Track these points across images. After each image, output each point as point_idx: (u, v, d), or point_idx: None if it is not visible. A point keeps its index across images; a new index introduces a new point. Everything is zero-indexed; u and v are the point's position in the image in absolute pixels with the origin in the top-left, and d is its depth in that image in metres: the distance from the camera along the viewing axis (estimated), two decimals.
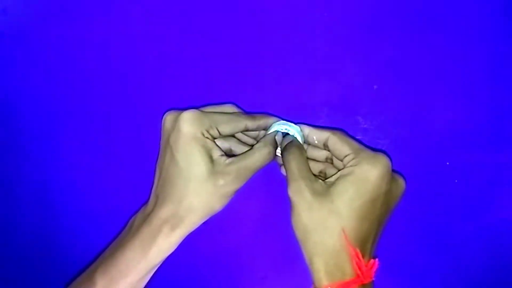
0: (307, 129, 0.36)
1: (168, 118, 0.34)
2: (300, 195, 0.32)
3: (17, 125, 0.43)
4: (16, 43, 0.42)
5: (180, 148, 0.32)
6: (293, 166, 0.34)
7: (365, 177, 0.31)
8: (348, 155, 0.33)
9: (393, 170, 0.33)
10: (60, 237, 0.43)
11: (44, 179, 0.43)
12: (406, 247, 0.40)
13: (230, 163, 0.33)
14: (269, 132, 0.37)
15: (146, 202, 0.35)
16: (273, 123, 0.37)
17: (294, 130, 0.36)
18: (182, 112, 0.33)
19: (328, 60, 0.39)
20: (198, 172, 0.32)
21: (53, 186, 0.43)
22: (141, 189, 0.36)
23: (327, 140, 0.35)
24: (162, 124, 0.34)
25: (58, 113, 0.42)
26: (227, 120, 0.34)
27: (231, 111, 0.36)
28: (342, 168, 0.33)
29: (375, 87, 0.39)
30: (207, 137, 0.33)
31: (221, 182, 0.32)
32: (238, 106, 0.37)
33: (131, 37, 0.41)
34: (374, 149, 0.33)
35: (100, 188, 0.42)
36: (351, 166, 0.32)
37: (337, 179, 0.32)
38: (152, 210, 0.33)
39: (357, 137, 0.39)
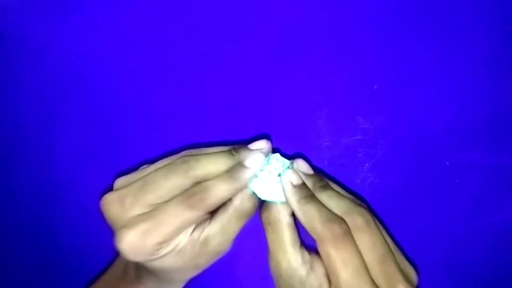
0: (292, 204, 0.27)
1: (110, 213, 0.28)
2: (276, 281, 0.29)
3: (17, 125, 0.43)
4: (16, 43, 0.42)
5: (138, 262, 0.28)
6: (271, 244, 0.28)
7: None
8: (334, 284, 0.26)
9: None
10: (60, 238, 0.43)
11: (44, 179, 0.43)
12: (405, 248, 0.40)
13: (206, 241, 0.28)
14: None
15: (116, 263, 0.36)
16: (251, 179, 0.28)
17: (279, 189, 0.27)
18: (119, 231, 0.26)
19: (328, 60, 0.39)
20: (172, 269, 0.29)
21: (53, 186, 0.43)
22: None
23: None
24: (102, 211, 0.29)
25: (58, 113, 0.42)
26: (175, 226, 0.26)
27: (179, 180, 0.27)
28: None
29: (375, 87, 0.39)
30: (158, 253, 0.27)
31: (201, 260, 0.29)
32: (189, 160, 0.28)
33: (132, 37, 0.41)
34: None
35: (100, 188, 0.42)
36: None
37: None
38: (140, 271, 0.32)
39: (357, 137, 0.39)
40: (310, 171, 0.30)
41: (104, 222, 0.29)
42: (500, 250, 0.39)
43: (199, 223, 0.28)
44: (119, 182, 0.30)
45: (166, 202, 0.27)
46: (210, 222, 0.28)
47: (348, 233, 0.26)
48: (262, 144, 0.30)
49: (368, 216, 0.28)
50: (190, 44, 0.40)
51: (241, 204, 0.28)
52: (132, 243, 0.26)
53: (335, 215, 0.27)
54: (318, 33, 0.39)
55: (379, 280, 0.26)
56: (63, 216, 0.43)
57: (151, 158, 0.35)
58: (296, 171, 0.29)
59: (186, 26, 0.40)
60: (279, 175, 0.28)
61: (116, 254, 0.38)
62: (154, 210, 0.27)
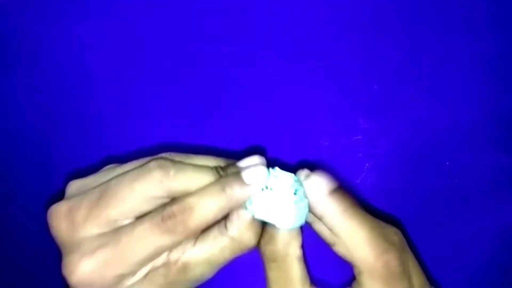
0: (336, 217, 0.21)
1: (56, 230, 0.22)
2: None
3: (17, 125, 0.43)
4: (16, 43, 0.42)
5: None
6: (275, 284, 0.22)
7: None
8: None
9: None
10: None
11: (43, 179, 0.43)
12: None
13: (185, 269, 0.21)
14: (246, 210, 0.22)
15: None
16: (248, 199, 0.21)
17: (288, 213, 0.20)
18: (69, 261, 0.20)
19: (328, 60, 0.39)
20: None
21: (52, 186, 0.43)
22: None
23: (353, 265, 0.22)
24: (49, 224, 0.23)
25: (58, 113, 0.42)
26: (144, 255, 0.20)
27: (150, 192, 0.20)
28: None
29: (375, 87, 0.39)
30: (124, 283, 0.21)
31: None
32: (165, 169, 0.21)
33: (132, 37, 0.41)
34: None
35: None
36: None
37: None
38: None
39: (357, 137, 0.39)
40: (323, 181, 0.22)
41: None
42: (501, 250, 0.39)
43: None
44: (72, 186, 0.24)
45: (133, 222, 0.21)
46: (194, 244, 0.22)
47: (406, 270, 0.22)
48: (256, 160, 0.23)
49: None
50: (191, 44, 0.40)
51: (240, 234, 0.21)
52: (87, 275, 0.20)
53: (390, 241, 0.21)
54: (317, 33, 0.39)
55: None
56: None
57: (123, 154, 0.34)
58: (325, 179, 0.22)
59: (186, 26, 0.40)
60: (295, 193, 0.21)
61: None
62: (118, 232, 0.20)
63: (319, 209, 0.21)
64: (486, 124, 0.38)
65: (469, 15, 0.38)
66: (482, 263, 0.39)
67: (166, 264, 0.21)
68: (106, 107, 0.41)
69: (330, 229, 0.21)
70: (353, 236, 0.21)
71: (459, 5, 0.38)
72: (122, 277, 0.20)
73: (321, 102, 0.39)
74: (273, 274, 0.22)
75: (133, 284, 0.21)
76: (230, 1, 0.40)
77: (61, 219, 0.22)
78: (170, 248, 0.21)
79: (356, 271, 0.21)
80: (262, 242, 0.22)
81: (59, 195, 0.24)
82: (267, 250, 0.22)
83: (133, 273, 0.21)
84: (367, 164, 0.39)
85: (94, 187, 0.22)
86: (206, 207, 0.20)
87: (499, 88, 0.38)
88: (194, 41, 0.40)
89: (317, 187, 0.21)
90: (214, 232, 0.22)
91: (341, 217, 0.21)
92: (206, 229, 0.22)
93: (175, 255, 0.21)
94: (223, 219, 0.22)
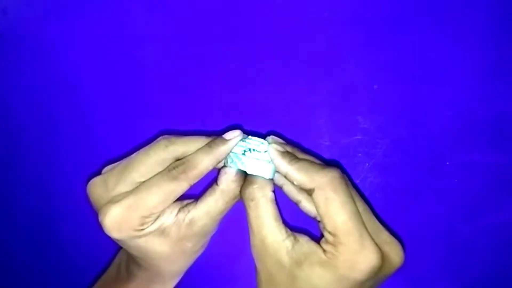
0: (284, 167, 0.27)
1: (94, 196, 0.28)
2: (260, 261, 0.28)
3: (17, 125, 0.43)
4: (16, 43, 0.42)
5: (125, 244, 0.28)
6: (254, 221, 0.27)
7: (344, 276, 0.25)
8: (330, 233, 0.26)
9: (388, 233, 0.28)
10: (59, 240, 0.43)
11: (43, 179, 0.43)
12: (405, 247, 0.40)
13: (191, 223, 0.28)
14: (227, 165, 0.28)
15: (111, 265, 0.36)
16: (232, 150, 0.28)
17: (261, 167, 0.28)
18: (103, 209, 0.26)
19: (328, 60, 0.39)
20: (158, 255, 0.28)
21: (53, 187, 0.43)
22: None
23: (310, 192, 0.27)
24: (88, 196, 0.29)
25: (58, 113, 0.42)
26: (161, 198, 0.26)
27: (160, 155, 0.28)
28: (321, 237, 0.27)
29: (375, 87, 0.39)
30: (143, 229, 0.27)
31: (189, 245, 0.29)
32: (169, 138, 0.29)
33: (132, 37, 0.41)
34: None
35: None
36: (329, 253, 0.25)
37: (307, 260, 0.26)
38: (132, 266, 0.32)
39: (357, 137, 0.39)
40: (283, 142, 0.30)
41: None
42: (500, 250, 0.39)
43: (184, 206, 0.29)
44: (106, 168, 0.30)
45: (149, 178, 0.27)
46: (196, 204, 0.28)
47: (344, 177, 0.27)
48: (237, 132, 0.30)
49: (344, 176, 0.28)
50: (191, 44, 0.40)
51: (227, 186, 0.28)
52: (116, 217, 0.26)
53: (331, 168, 0.27)
54: (318, 33, 0.39)
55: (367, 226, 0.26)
56: (62, 218, 0.43)
57: None
58: (279, 143, 0.29)
59: (187, 26, 0.40)
60: (263, 151, 0.29)
61: (113, 255, 0.38)
62: (138, 186, 0.27)
63: (276, 164, 0.28)
64: (486, 124, 0.38)
65: (469, 15, 0.38)
66: (482, 263, 0.39)
67: (176, 222, 0.28)
68: (106, 106, 0.41)
69: (285, 176, 0.27)
70: (302, 173, 0.27)
71: (459, 5, 0.38)
72: (143, 220, 0.26)
73: (321, 102, 0.39)
74: (252, 212, 0.27)
75: (151, 232, 0.27)
76: (230, 1, 0.40)
77: (97, 186, 0.28)
78: (177, 194, 0.27)
79: (312, 196, 0.26)
80: (243, 187, 0.28)
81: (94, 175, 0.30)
82: (246, 192, 0.28)
83: (152, 217, 0.27)
84: (367, 164, 0.39)
85: (119, 163, 0.29)
86: (199, 160, 0.27)
87: (499, 88, 0.38)
88: (195, 42, 0.40)
89: (272, 151, 0.28)
90: (209, 190, 0.28)
91: (289, 164, 0.27)
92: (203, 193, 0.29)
93: (182, 215, 0.28)
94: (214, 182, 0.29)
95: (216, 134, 0.30)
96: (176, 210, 0.28)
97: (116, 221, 0.26)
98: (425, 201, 0.39)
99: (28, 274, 0.44)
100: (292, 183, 0.27)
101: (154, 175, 0.27)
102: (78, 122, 0.42)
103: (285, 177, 0.28)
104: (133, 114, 0.41)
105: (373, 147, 0.39)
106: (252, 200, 0.27)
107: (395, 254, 0.27)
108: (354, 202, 0.26)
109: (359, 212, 0.26)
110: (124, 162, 0.29)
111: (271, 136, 0.30)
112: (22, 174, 0.43)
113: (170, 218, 0.28)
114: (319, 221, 0.28)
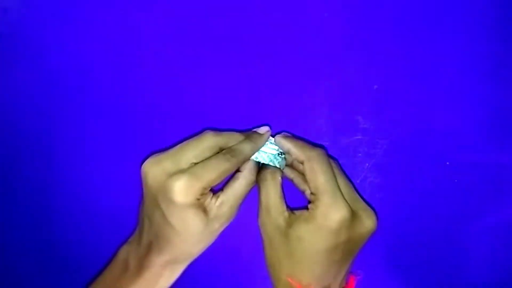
0: (286, 145, 0.35)
1: (151, 174, 0.33)
2: (264, 228, 0.35)
3: (17, 125, 0.43)
4: (16, 43, 0.42)
5: (175, 215, 0.32)
6: (264, 196, 0.35)
7: (321, 225, 0.32)
8: (311, 193, 0.33)
9: (364, 203, 0.34)
10: (59, 238, 0.43)
11: (43, 181, 0.43)
12: (405, 247, 0.40)
13: (221, 204, 0.34)
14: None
15: (133, 235, 0.37)
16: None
17: (272, 157, 0.36)
18: (172, 177, 0.31)
19: (328, 60, 0.39)
20: (195, 230, 0.33)
21: (53, 188, 0.43)
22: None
23: (303, 164, 0.34)
24: (143, 177, 0.33)
25: (57, 113, 0.42)
26: (218, 173, 0.32)
27: (210, 143, 0.34)
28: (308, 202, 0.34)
29: (375, 87, 0.39)
30: (200, 199, 0.32)
31: (216, 225, 0.34)
32: (214, 131, 0.35)
33: (131, 37, 0.41)
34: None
35: (101, 190, 0.42)
36: (311, 209, 0.33)
37: (296, 220, 0.33)
38: (148, 254, 0.34)
39: (357, 137, 0.39)
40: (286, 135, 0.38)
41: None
42: (500, 250, 0.39)
43: (214, 194, 0.34)
44: (153, 156, 0.34)
45: (207, 158, 0.33)
46: (223, 191, 0.34)
47: (326, 155, 0.34)
48: (264, 127, 0.37)
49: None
50: (191, 45, 0.40)
51: (248, 172, 0.35)
52: (184, 183, 0.31)
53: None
54: (318, 33, 0.39)
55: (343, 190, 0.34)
56: (62, 217, 0.43)
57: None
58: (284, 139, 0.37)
59: (188, 27, 0.40)
60: (276, 150, 0.37)
61: (114, 252, 0.38)
62: (199, 163, 0.32)
63: (281, 144, 0.36)
64: (486, 124, 0.38)
65: (469, 15, 0.38)
66: (482, 263, 0.39)
67: (209, 205, 0.33)
68: (106, 106, 0.41)
69: (287, 151, 0.36)
70: (297, 148, 0.35)
71: (459, 6, 0.38)
72: (203, 190, 0.32)
73: (321, 102, 0.39)
74: (263, 189, 0.35)
75: (200, 208, 0.32)
76: (230, 1, 0.40)
77: (154, 166, 0.33)
78: (228, 173, 0.33)
79: (304, 166, 0.34)
80: (260, 172, 0.36)
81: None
82: (262, 174, 0.36)
83: (208, 189, 0.32)
84: (367, 164, 0.39)
85: (170, 149, 0.34)
86: (245, 147, 0.34)
87: (499, 88, 0.38)
88: (195, 42, 0.40)
89: (279, 138, 0.36)
90: (233, 178, 0.35)
91: (294, 145, 0.35)
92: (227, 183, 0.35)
93: (214, 198, 0.33)
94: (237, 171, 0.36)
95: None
96: (210, 195, 0.34)
97: (184, 187, 0.31)
98: (425, 201, 0.39)
99: (26, 274, 0.44)
100: (292, 155, 0.35)
101: (211, 157, 0.33)
102: (79, 123, 0.42)
103: (288, 152, 0.36)
104: (134, 114, 0.41)
105: (373, 147, 0.39)
106: (265, 180, 0.35)
107: (367, 216, 0.33)
108: (332, 172, 0.33)
109: (335, 178, 0.33)
110: (176, 148, 0.33)
111: (283, 133, 0.38)
112: (22, 174, 0.43)
113: (208, 199, 0.33)
114: (304, 192, 0.36)
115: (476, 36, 0.38)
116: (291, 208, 0.35)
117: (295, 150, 0.35)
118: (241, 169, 0.35)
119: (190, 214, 0.32)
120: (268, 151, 0.36)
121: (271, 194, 0.35)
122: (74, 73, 0.42)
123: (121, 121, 0.41)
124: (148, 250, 0.34)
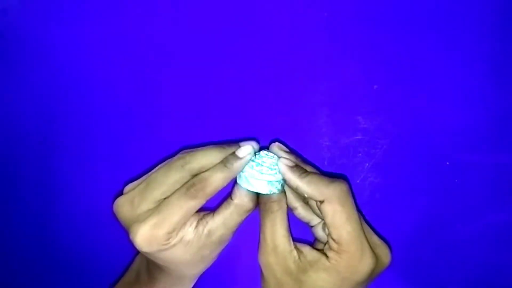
0: (295, 181, 0.30)
1: (122, 215, 0.31)
2: (270, 269, 0.30)
3: (17, 126, 0.43)
4: (16, 43, 0.42)
5: (151, 257, 0.31)
6: (269, 232, 0.30)
7: (346, 278, 0.28)
8: (334, 240, 0.29)
9: (377, 237, 0.31)
10: (62, 240, 0.43)
11: (46, 181, 0.43)
12: (405, 247, 0.40)
13: (209, 233, 0.30)
14: (240, 184, 0.31)
15: (129, 270, 0.37)
16: (243, 171, 0.30)
17: (272, 185, 0.30)
18: (134, 225, 0.29)
19: (328, 60, 0.39)
20: (182, 260, 0.31)
21: (54, 189, 0.43)
22: None
23: (319, 205, 0.29)
24: (116, 216, 0.31)
25: (58, 114, 0.42)
26: (182, 214, 0.29)
27: (177, 176, 0.30)
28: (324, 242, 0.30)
29: (375, 87, 0.39)
30: (169, 242, 0.29)
31: (207, 252, 0.31)
32: (188, 153, 0.31)
33: (131, 37, 0.41)
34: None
35: (102, 190, 0.42)
36: (333, 260, 0.29)
37: (313, 268, 0.29)
38: (152, 272, 0.34)
39: (357, 137, 0.39)
40: (287, 150, 0.33)
41: (117, 228, 0.32)
42: (500, 250, 0.39)
43: (202, 218, 0.31)
44: (128, 187, 0.33)
45: (169, 196, 0.29)
46: (213, 216, 0.31)
47: (350, 191, 0.29)
48: (252, 142, 0.32)
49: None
50: (191, 45, 0.40)
51: (241, 201, 0.31)
52: (145, 235, 0.28)
53: (335, 180, 0.30)
54: (318, 34, 0.39)
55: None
56: (64, 219, 0.43)
57: (153, 163, 0.35)
58: (288, 157, 0.32)
59: (188, 28, 0.40)
60: (271, 167, 0.31)
61: (130, 260, 0.38)
62: (160, 205, 0.29)
63: (287, 178, 0.30)
64: (486, 124, 0.38)
65: (469, 15, 0.38)
66: (481, 263, 0.39)
67: (196, 233, 0.30)
68: (105, 106, 0.41)
69: (295, 189, 0.30)
70: (312, 186, 0.29)
71: (459, 6, 0.38)
72: (168, 235, 0.29)
73: (321, 102, 0.39)
74: (269, 222, 0.30)
75: (176, 244, 0.29)
76: (231, 1, 0.40)
77: (124, 206, 0.30)
78: (196, 209, 0.29)
79: (320, 206, 0.29)
80: (262, 201, 0.31)
81: (118, 194, 0.32)
82: (267, 205, 0.30)
83: (175, 232, 0.29)
84: (367, 164, 0.39)
85: (141, 182, 0.31)
86: (215, 177, 0.29)
87: (499, 88, 0.38)
88: (195, 42, 0.40)
89: (282, 167, 0.31)
90: (224, 204, 0.31)
91: (300, 178, 0.30)
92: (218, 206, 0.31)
93: (201, 226, 0.30)
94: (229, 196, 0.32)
95: (219, 138, 0.31)
96: (195, 222, 0.31)
97: (145, 238, 0.29)
98: (425, 201, 0.39)
99: (27, 277, 0.44)
100: (301, 193, 0.30)
101: (174, 194, 0.29)
102: (78, 122, 0.42)
103: (295, 190, 0.30)
104: (135, 116, 0.41)
105: (373, 147, 0.39)
106: (270, 212, 0.30)
107: (384, 255, 0.31)
108: (358, 215, 0.29)
109: (361, 223, 0.29)
110: (145, 181, 0.31)
111: (276, 144, 0.33)
112: (22, 175, 0.43)
113: (190, 230, 0.30)
114: (312, 227, 0.33)
115: (476, 36, 0.38)
116: (293, 238, 0.31)
117: (309, 188, 0.29)
118: (233, 195, 0.31)
119: (166, 254, 0.30)
120: (265, 171, 0.30)
121: (278, 230, 0.30)
122: (74, 73, 0.42)
123: (123, 122, 0.41)
124: (153, 268, 0.34)
